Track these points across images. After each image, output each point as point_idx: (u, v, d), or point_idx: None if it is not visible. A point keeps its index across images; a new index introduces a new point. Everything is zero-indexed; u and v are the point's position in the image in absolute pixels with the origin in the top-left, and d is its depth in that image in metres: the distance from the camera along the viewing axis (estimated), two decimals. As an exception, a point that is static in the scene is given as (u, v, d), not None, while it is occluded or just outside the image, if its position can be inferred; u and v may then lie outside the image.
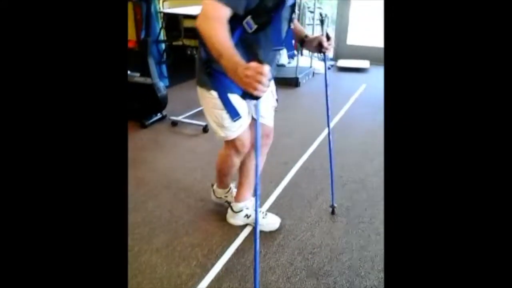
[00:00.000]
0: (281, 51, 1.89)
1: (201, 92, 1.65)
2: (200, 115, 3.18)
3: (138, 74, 3.38)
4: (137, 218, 2.10)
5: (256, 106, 1.31)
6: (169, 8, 4.84)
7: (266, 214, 2.05)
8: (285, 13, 1.51)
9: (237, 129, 1.68)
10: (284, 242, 1.94)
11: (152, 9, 3.87)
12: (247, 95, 1.34)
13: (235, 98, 1.60)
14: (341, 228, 2.05)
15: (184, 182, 2.49)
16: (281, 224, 2.03)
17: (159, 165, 2.73)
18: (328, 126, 2.06)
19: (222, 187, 2.13)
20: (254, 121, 1.65)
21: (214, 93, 1.59)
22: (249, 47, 1.47)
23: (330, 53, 2.75)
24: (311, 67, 5.02)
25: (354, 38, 5.76)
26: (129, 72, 3.41)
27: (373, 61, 5.38)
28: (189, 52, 5.05)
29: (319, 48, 1.78)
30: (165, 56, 4.47)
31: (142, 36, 3.53)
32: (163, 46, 4.46)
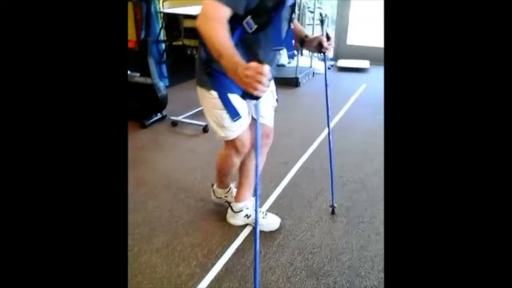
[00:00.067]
0: (281, 51, 1.89)
1: (201, 92, 1.65)
2: (200, 115, 3.18)
3: (138, 74, 3.39)
4: (137, 218, 2.10)
5: (256, 106, 1.31)
6: (169, 8, 4.84)
7: (266, 214, 2.05)
8: (285, 13, 1.51)
9: (237, 129, 1.68)
10: (284, 242, 1.94)
11: (152, 9, 3.88)
12: (247, 95, 1.34)
13: (235, 98, 1.60)
14: (341, 228, 2.05)
15: (184, 182, 2.49)
16: (281, 224, 2.03)
17: (159, 165, 2.73)
18: (328, 126, 2.06)
19: (222, 187, 2.13)
20: (254, 121, 1.65)
21: (214, 93, 1.59)
22: (249, 47, 1.47)
23: (330, 53, 2.75)
24: (311, 67, 5.02)
25: (354, 38, 5.76)
26: (129, 72, 3.41)
27: (373, 61, 5.38)
28: (189, 52, 5.05)
29: (319, 48, 1.78)
30: (165, 56, 4.47)
31: (142, 36, 3.53)
32: (163, 46, 4.46)
